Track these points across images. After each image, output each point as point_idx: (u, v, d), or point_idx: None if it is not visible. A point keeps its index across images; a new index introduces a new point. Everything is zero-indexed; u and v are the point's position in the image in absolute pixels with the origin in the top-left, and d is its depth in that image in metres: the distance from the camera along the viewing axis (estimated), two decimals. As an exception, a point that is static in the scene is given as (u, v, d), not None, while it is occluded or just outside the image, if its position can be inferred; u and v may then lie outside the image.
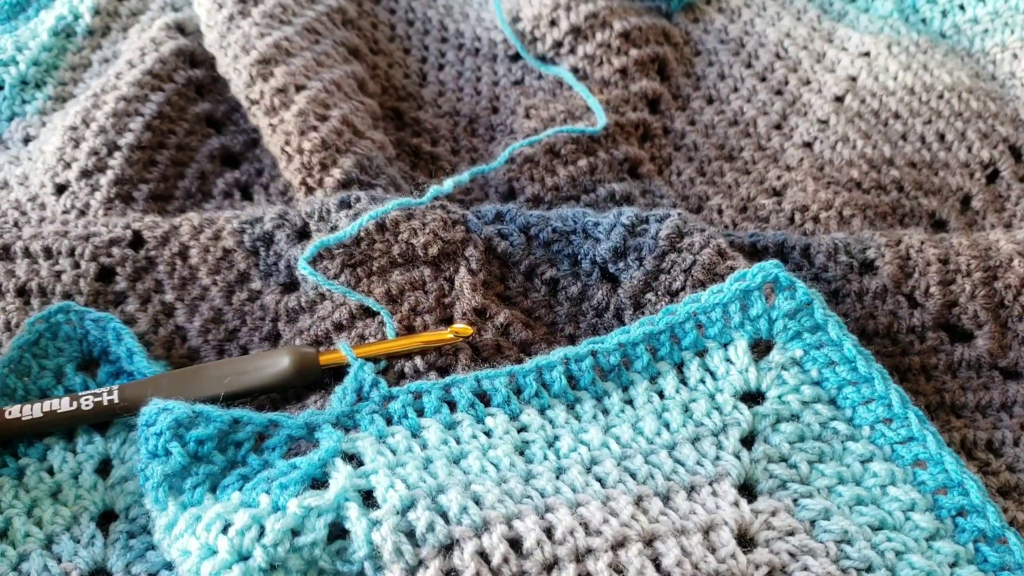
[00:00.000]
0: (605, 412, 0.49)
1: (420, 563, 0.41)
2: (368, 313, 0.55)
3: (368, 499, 0.43)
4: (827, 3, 0.84)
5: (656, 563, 0.42)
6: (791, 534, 0.45)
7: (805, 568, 0.44)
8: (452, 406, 0.49)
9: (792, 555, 0.44)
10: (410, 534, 0.41)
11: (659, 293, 0.55)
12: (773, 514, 0.45)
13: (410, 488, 0.43)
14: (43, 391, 0.52)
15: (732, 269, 0.54)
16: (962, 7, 0.81)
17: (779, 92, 0.76)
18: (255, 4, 0.70)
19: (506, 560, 0.41)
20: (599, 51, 0.75)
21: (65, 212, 0.63)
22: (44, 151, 0.66)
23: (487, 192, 0.68)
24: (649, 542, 0.43)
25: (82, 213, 0.63)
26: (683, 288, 0.55)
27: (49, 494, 0.48)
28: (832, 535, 0.45)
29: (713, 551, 0.43)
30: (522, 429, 0.48)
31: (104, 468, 0.49)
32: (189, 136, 0.69)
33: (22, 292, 0.56)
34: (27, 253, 0.57)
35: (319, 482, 0.44)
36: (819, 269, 0.57)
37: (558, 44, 0.77)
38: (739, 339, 0.51)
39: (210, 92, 0.71)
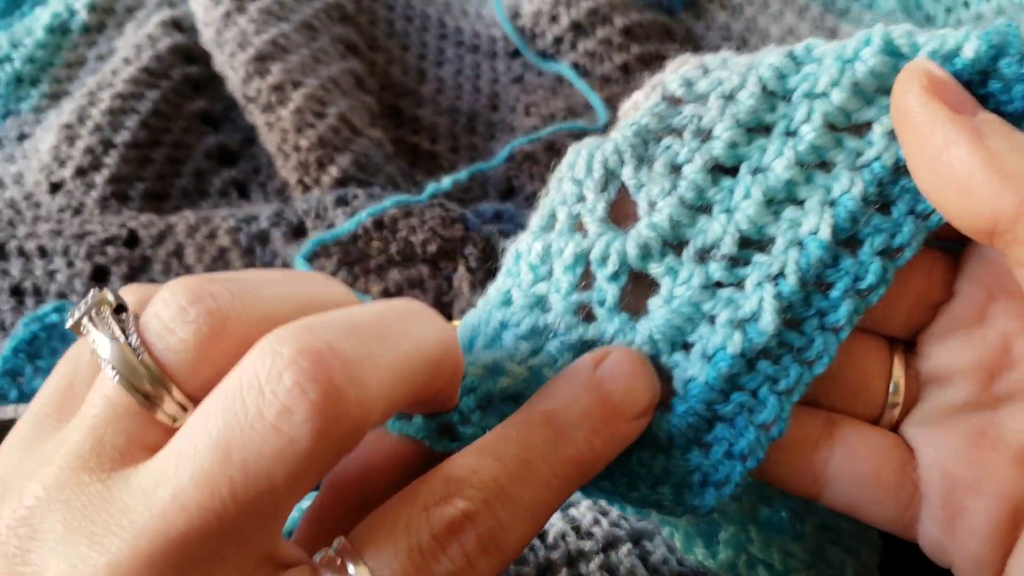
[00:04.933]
0: None
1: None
2: (365, 312, 0.55)
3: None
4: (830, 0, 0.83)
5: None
6: None
7: None
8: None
9: None
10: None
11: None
12: None
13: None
14: (37, 392, 0.51)
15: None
16: (966, 3, 0.80)
17: (781, 89, 0.76)
18: (252, 0, 0.70)
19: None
20: (600, 47, 0.75)
21: (60, 211, 0.63)
22: (39, 149, 0.66)
23: (486, 190, 0.68)
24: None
25: (77, 211, 0.63)
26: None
27: (43, 495, 0.47)
28: None
29: None
30: None
31: (99, 469, 0.49)
32: (185, 134, 0.69)
33: (16, 292, 0.56)
34: (22, 252, 0.57)
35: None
36: None
37: (559, 40, 0.76)
38: None
39: (207, 89, 0.71)
